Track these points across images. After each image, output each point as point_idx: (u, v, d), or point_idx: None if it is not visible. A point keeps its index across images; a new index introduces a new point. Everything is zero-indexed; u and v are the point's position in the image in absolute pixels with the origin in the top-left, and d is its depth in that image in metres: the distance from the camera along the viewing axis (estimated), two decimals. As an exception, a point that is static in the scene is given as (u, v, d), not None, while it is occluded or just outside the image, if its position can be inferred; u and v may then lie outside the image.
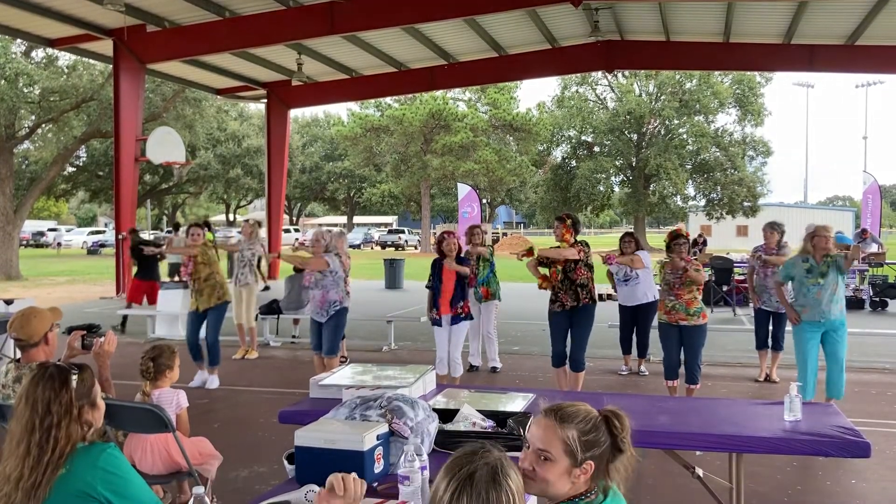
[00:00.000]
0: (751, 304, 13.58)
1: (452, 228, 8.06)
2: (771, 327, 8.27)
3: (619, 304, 8.79)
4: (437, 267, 7.37)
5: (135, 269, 12.45)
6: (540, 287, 7.21)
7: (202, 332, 8.22)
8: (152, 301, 12.50)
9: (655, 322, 7.50)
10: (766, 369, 8.42)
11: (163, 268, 16.80)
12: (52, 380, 2.37)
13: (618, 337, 8.96)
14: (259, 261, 10.54)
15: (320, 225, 67.88)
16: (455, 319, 7.31)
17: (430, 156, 42.39)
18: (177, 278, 8.52)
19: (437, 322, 7.36)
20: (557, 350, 7.13)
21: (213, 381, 8.23)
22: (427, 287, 7.48)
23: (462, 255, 7.57)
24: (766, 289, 8.16)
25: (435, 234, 52.56)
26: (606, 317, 8.98)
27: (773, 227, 8.37)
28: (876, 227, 23.93)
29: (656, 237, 56.60)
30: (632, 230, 9.64)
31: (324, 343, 7.52)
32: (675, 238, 6.77)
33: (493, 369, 8.98)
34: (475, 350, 9.13)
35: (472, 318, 7.56)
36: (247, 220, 11.07)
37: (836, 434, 3.84)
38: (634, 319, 8.70)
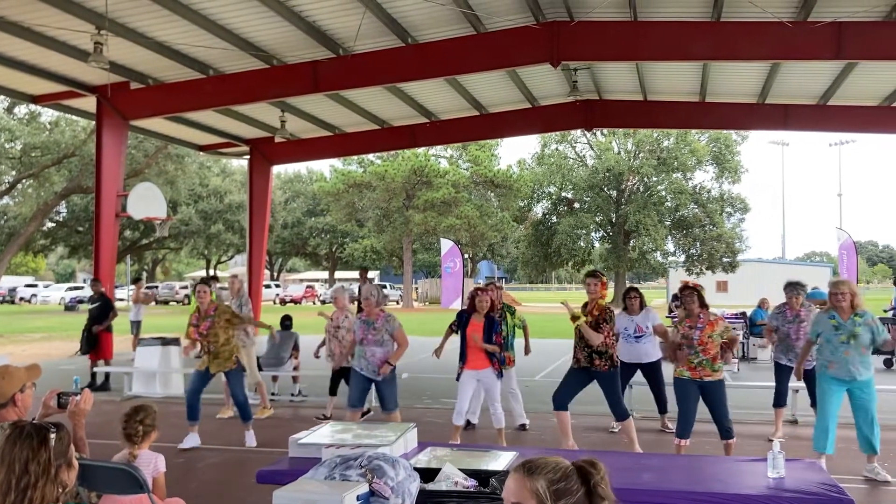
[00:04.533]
0: (733, 361, 13.66)
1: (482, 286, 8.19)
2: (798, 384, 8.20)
3: (629, 363, 8.47)
4: (463, 317, 7.50)
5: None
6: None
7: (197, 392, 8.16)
8: (106, 355, 12.72)
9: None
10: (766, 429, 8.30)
11: (124, 324, 16.71)
12: (31, 438, 2.32)
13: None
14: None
15: (301, 280, 67.65)
16: (498, 373, 7.45)
17: (412, 211, 42.63)
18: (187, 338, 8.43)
19: (459, 376, 7.45)
20: (559, 393, 7.26)
21: (251, 439, 8.20)
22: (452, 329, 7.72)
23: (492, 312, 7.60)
24: (792, 347, 8.10)
25: (417, 288, 52.62)
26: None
27: (796, 291, 8.21)
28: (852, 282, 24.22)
29: (637, 292, 56.80)
30: (635, 286, 9.68)
31: (387, 401, 7.40)
32: (683, 290, 6.80)
33: (523, 426, 8.87)
34: (475, 408, 9.01)
35: (501, 377, 7.59)
36: (234, 276, 11.01)
37: (820, 491, 3.83)
38: (631, 377, 8.62)
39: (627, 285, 7.90)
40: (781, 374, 8.29)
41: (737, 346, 6.81)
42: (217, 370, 8.11)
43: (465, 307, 7.76)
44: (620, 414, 7.24)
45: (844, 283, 6.48)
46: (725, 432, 6.69)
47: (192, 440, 8.07)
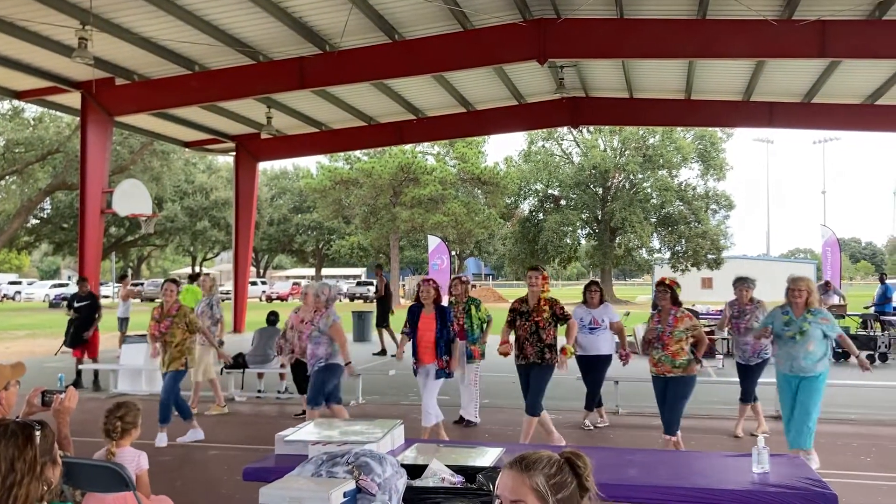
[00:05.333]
0: (718, 357, 13.73)
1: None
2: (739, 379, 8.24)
3: (580, 355, 8.52)
4: (414, 313, 7.47)
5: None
6: (501, 352, 7.31)
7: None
8: (93, 353, 12.71)
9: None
10: (759, 422, 8.23)
11: (111, 321, 16.62)
12: (15, 436, 2.31)
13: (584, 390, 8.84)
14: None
15: (287, 277, 67.50)
16: (439, 373, 7.36)
17: (400, 208, 42.59)
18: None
19: (415, 371, 7.45)
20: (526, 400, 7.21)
21: (162, 440, 8.01)
22: (404, 332, 7.57)
23: (443, 304, 7.61)
24: (739, 343, 8.18)
25: (404, 285, 52.61)
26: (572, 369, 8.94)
27: (746, 284, 8.30)
28: (836, 278, 24.38)
29: (622, 289, 57.10)
30: (597, 279, 9.68)
31: (309, 391, 7.67)
32: (658, 285, 6.81)
33: (469, 422, 8.89)
34: (466, 402, 8.95)
35: (451, 376, 7.52)
36: (207, 275, 10.98)
37: (804, 486, 3.87)
38: (584, 369, 8.58)
39: (590, 279, 8.11)
40: (738, 371, 8.30)
41: (704, 346, 6.74)
42: (164, 370, 8.06)
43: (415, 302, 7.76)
44: (539, 409, 7.14)
45: (803, 281, 6.53)
46: (667, 427, 6.63)
47: (193, 434, 8.13)
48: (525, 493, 1.96)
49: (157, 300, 48.51)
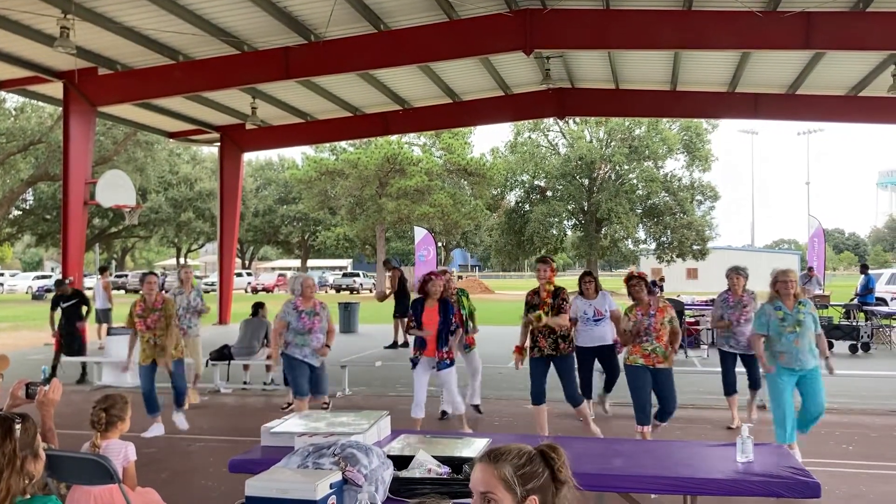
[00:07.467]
0: (703, 347, 13.80)
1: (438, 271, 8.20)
2: (744, 369, 8.16)
3: (579, 347, 8.39)
4: (418, 307, 7.46)
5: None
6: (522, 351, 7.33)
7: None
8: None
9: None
10: (739, 415, 8.13)
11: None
12: None
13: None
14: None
15: (273, 268, 67.27)
16: (441, 365, 7.36)
17: (386, 199, 42.49)
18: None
19: (414, 362, 7.43)
20: (536, 388, 7.15)
21: (183, 423, 8.20)
22: (413, 328, 7.58)
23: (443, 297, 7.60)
24: (734, 333, 8.06)
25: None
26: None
27: (739, 272, 8.19)
28: (821, 269, 24.60)
29: (608, 280, 57.41)
30: (589, 270, 9.74)
31: (322, 384, 7.99)
32: (629, 280, 6.82)
33: (476, 407, 8.93)
34: (473, 393, 8.98)
35: (452, 363, 7.52)
36: (187, 268, 10.89)
37: (787, 475, 3.90)
38: (593, 361, 8.60)
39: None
40: (726, 361, 8.16)
41: (678, 340, 6.81)
42: (166, 360, 8.07)
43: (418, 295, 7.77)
44: (577, 400, 7.24)
45: (792, 272, 6.45)
46: (667, 416, 6.79)
47: (157, 429, 8.06)
48: (494, 484, 1.98)
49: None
